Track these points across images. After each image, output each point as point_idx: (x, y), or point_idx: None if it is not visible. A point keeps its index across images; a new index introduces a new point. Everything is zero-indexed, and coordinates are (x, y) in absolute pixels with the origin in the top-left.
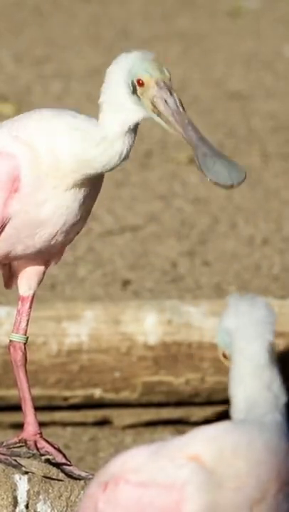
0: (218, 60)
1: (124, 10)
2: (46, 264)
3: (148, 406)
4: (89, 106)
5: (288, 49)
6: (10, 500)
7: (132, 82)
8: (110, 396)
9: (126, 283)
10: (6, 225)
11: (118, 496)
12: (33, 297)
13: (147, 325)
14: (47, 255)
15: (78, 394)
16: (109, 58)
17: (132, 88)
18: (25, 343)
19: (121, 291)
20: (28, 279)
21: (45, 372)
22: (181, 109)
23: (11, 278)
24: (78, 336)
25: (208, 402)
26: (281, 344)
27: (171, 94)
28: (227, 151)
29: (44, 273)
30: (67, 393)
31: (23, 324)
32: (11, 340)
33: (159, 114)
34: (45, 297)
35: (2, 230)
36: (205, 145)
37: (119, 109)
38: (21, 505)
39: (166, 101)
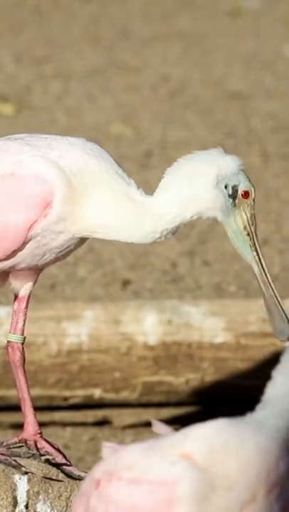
0: (218, 60)
1: (124, 10)
2: (41, 269)
3: (148, 406)
4: (89, 106)
5: (288, 49)
6: (10, 500)
7: (235, 187)
8: (110, 396)
9: (126, 283)
10: (23, 247)
11: (110, 493)
12: (29, 297)
13: (147, 325)
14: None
15: (78, 394)
16: (109, 58)
17: (231, 191)
18: (22, 343)
19: (121, 291)
20: (23, 280)
21: (45, 373)
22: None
23: (5, 278)
24: (78, 336)
25: (208, 403)
26: (281, 344)
27: (255, 218)
28: (227, 151)
29: (39, 274)
30: (67, 393)
31: (20, 324)
32: (8, 341)
33: (250, 232)
34: (45, 297)
35: (19, 251)
36: (277, 302)
37: (196, 202)
38: (21, 506)
39: (254, 222)
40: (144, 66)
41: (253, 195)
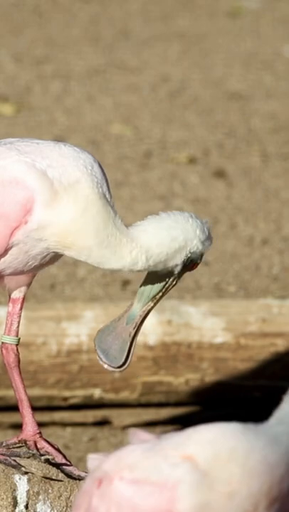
0: (218, 60)
1: (124, 10)
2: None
3: (148, 406)
4: (88, 106)
5: (288, 49)
6: (10, 500)
7: (194, 260)
8: (110, 396)
9: (125, 283)
10: (6, 254)
11: (112, 493)
12: (23, 299)
13: (147, 325)
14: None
15: (78, 394)
16: (109, 58)
17: (188, 262)
18: (17, 345)
19: (121, 292)
20: (17, 282)
21: (45, 373)
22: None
23: (0, 280)
24: (78, 336)
25: (208, 403)
26: (280, 344)
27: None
28: (227, 151)
29: (34, 277)
30: (66, 393)
31: (15, 326)
32: (2, 343)
33: (165, 290)
34: (44, 297)
35: (1, 257)
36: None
37: (166, 258)
38: (21, 506)
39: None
40: (144, 66)
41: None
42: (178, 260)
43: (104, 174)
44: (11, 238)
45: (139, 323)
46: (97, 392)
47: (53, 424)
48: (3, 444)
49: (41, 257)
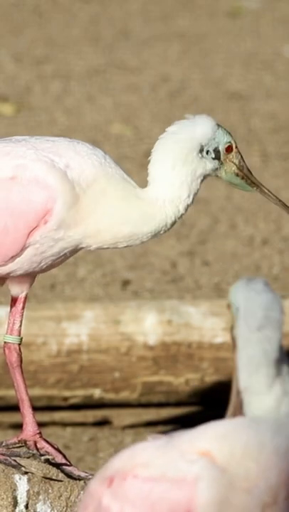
0: (218, 60)
1: (124, 10)
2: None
3: (148, 406)
4: (88, 106)
5: (288, 49)
6: (10, 500)
7: (216, 148)
8: (110, 396)
9: (126, 283)
10: (21, 254)
11: (126, 491)
12: (25, 298)
13: (147, 325)
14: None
15: (78, 394)
16: (109, 58)
17: (213, 154)
18: (19, 344)
19: (121, 291)
20: (19, 282)
21: (45, 373)
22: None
23: (3, 280)
24: (78, 336)
25: (208, 403)
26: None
27: (244, 160)
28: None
29: (35, 277)
30: (67, 393)
31: (17, 325)
32: (5, 342)
33: (243, 176)
34: (44, 297)
35: (17, 257)
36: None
37: (191, 177)
38: (21, 506)
39: (245, 163)
40: (144, 66)
41: (234, 144)
42: (203, 165)
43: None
44: (29, 238)
45: (277, 199)
46: (97, 392)
47: (53, 424)
48: (3, 444)
49: (55, 258)
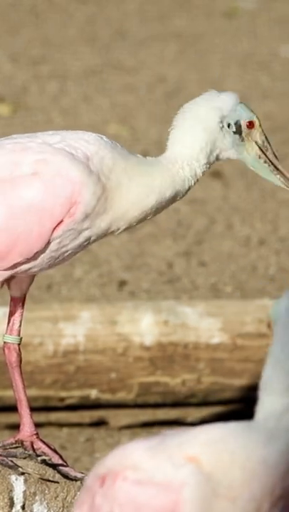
0: (215, 61)
1: (121, 10)
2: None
3: (144, 407)
4: (85, 106)
5: (284, 50)
6: (6, 501)
7: (238, 122)
8: (106, 397)
9: (122, 283)
10: (46, 249)
11: (115, 493)
12: (25, 298)
13: (143, 325)
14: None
15: (74, 394)
16: (106, 59)
17: (234, 128)
18: (19, 344)
19: (117, 292)
20: (19, 282)
21: (42, 373)
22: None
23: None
24: (74, 336)
25: (205, 403)
26: None
27: (269, 143)
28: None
29: (34, 277)
30: (63, 394)
31: (17, 325)
32: (5, 342)
33: (265, 159)
34: (41, 298)
35: (41, 253)
36: None
37: (209, 147)
38: (17, 506)
39: (271, 147)
40: (141, 66)
41: (257, 122)
42: (222, 137)
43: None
44: (54, 233)
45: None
46: (93, 393)
47: (50, 424)
48: (0, 445)
49: (71, 253)
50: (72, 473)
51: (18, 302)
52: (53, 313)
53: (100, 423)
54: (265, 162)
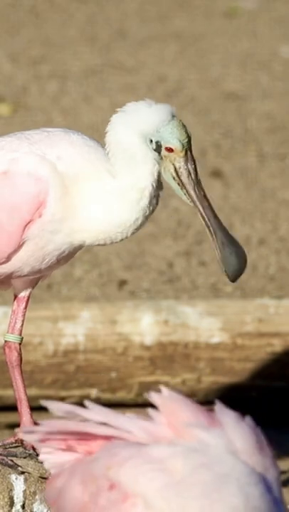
0: (215, 61)
1: (121, 10)
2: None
3: (144, 406)
4: (85, 106)
5: (284, 49)
6: (6, 500)
7: (158, 143)
8: (107, 396)
9: (122, 283)
10: (20, 249)
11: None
12: (28, 298)
13: (144, 325)
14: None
15: (75, 394)
16: (106, 59)
17: (154, 146)
18: (20, 343)
19: (117, 292)
20: (23, 282)
21: (42, 373)
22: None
23: (8, 281)
24: (75, 336)
25: (205, 402)
26: (277, 344)
27: (195, 167)
28: (223, 151)
29: (39, 279)
30: (63, 393)
31: (19, 324)
32: (6, 341)
33: (179, 182)
34: (41, 297)
35: (15, 253)
36: (220, 229)
37: (136, 162)
38: (17, 506)
39: (190, 172)
40: (141, 66)
41: (179, 147)
42: (144, 153)
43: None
44: (25, 232)
45: (209, 217)
46: (93, 392)
47: None
48: (0, 444)
49: (58, 254)
50: None
51: (21, 302)
52: (53, 312)
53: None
54: (178, 185)
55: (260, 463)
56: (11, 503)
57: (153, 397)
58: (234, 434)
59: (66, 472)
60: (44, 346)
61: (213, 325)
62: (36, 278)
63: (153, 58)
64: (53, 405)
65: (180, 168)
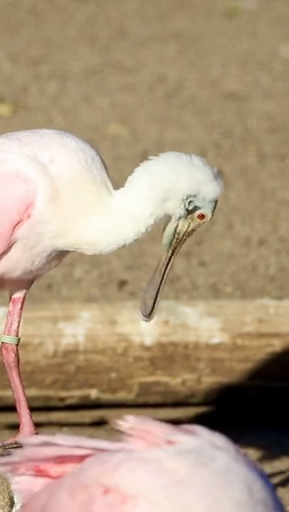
0: (215, 61)
1: (121, 10)
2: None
3: (144, 407)
4: (85, 106)
5: (284, 49)
6: (6, 500)
7: (197, 208)
8: (107, 396)
9: (122, 283)
10: (9, 250)
11: None
12: (24, 299)
13: (144, 325)
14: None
15: (75, 394)
16: (106, 59)
17: (189, 206)
18: (17, 345)
19: (117, 292)
20: (17, 283)
21: (42, 373)
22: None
23: (2, 282)
24: (75, 336)
25: (205, 403)
26: (277, 345)
27: (188, 236)
28: (223, 151)
29: (34, 278)
30: (63, 394)
31: (15, 325)
32: (2, 342)
33: (178, 238)
34: (41, 297)
35: (5, 254)
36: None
37: (158, 205)
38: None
39: (190, 235)
40: (141, 66)
41: (208, 219)
42: (172, 205)
43: (103, 164)
44: (14, 233)
45: (163, 271)
46: (93, 393)
47: (50, 424)
48: (0, 445)
49: (47, 255)
50: None
51: (17, 303)
52: (52, 313)
53: (100, 423)
54: (176, 240)
55: (246, 459)
56: (11, 504)
57: (121, 425)
58: (212, 437)
59: (47, 489)
60: (44, 347)
61: (213, 325)
62: (30, 279)
63: (153, 58)
64: (25, 441)
65: (191, 231)
